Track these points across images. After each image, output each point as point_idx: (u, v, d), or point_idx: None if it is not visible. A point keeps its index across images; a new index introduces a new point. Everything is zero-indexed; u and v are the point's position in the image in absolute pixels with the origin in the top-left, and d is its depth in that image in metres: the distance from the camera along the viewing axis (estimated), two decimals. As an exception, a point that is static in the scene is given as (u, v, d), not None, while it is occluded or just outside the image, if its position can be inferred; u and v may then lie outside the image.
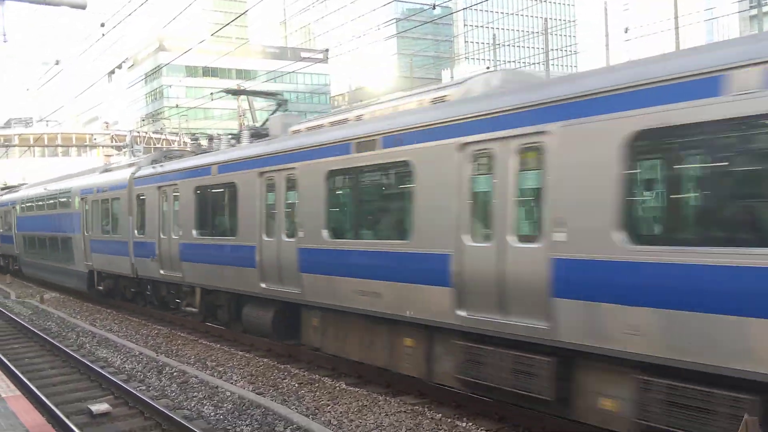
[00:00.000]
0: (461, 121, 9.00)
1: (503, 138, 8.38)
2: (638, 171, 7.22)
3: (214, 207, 15.47)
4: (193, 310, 16.82)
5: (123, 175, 20.55)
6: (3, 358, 13.82)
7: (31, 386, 11.26)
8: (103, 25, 21.39)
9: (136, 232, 19.22)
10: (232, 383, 11.70)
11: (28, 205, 30.58)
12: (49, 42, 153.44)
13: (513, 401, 8.77)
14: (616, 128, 7.11)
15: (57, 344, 15.41)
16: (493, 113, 8.56)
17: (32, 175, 46.51)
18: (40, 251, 28.23)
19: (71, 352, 14.41)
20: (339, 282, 11.10)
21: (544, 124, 7.86)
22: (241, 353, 14.15)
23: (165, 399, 10.91)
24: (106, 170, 23.40)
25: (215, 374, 12.50)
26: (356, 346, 11.50)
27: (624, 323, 6.99)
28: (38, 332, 17.13)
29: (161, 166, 18.48)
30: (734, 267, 6.18)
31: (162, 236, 17.53)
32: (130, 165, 21.29)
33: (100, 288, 22.43)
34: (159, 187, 17.81)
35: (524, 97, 8.25)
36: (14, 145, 65.03)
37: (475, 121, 8.79)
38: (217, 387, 11.27)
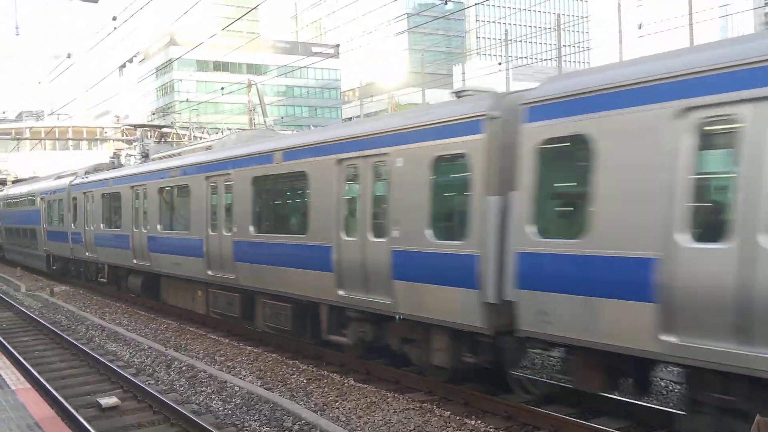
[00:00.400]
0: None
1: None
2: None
3: (111, 209, 21.69)
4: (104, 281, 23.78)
5: (65, 182, 26.80)
6: (13, 350, 13.89)
7: (41, 379, 11.30)
8: (114, 18, 21.41)
9: (72, 225, 25.31)
10: (240, 378, 11.69)
11: (7, 202, 37.64)
12: (61, 35, 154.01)
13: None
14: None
15: (67, 337, 15.47)
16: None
17: (43, 169, 46.83)
18: (16, 239, 35.31)
19: (81, 346, 14.46)
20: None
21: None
22: (249, 348, 14.15)
23: (174, 393, 10.92)
24: (59, 177, 29.38)
25: (224, 369, 12.51)
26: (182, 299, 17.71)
27: None
28: (48, 325, 17.21)
29: (85, 177, 24.82)
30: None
31: (87, 228, 23.79)
32: (72, 174, 27.04)
33: (54, 267, 29.28)
34: (84, 193, 24.18)
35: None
36: (25, 138, 65.39)
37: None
38: (225, 382, 11.27)
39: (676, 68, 6.76)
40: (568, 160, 8.22)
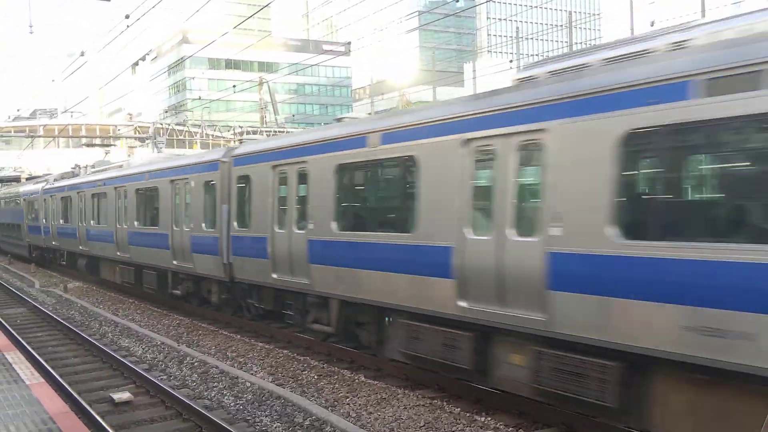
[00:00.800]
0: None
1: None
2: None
3: (67, 208, 28.46)
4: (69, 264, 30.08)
5: (39, 186, 34.13)
6: (27, 345, 14.02)
7: (55, 374, 11.42)
8: (127, 16, 21.52)
9: (44, 221, 32.20)
10: (252, 374, 11.76)
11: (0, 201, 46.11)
12: (75, 34, 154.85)
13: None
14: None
15: (80, 333, 15.60)
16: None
17: (57, 166, 47.34)
18: (7, 232, 42.98)
19: (94, 341, 14.57)
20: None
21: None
22: (261, 344, 14.21)
23: (186, 389, 11.00)
24: (36, 182, 37.34)
25: (235, 365, 12.58)
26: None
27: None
28: (62, 321, 17.36)
29: (53, 183, 31.59)
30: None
31: (53, 223, 30.60)
32: (44, 180, 34.80)
33: (34, 255, 36.01)
34: (51, 196, 31.13)
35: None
36: (39, 136, 65.90)
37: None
38: (237, 378, 11.33)
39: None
40: (244, 187, 14.86)
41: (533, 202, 8.35)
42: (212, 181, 16.12)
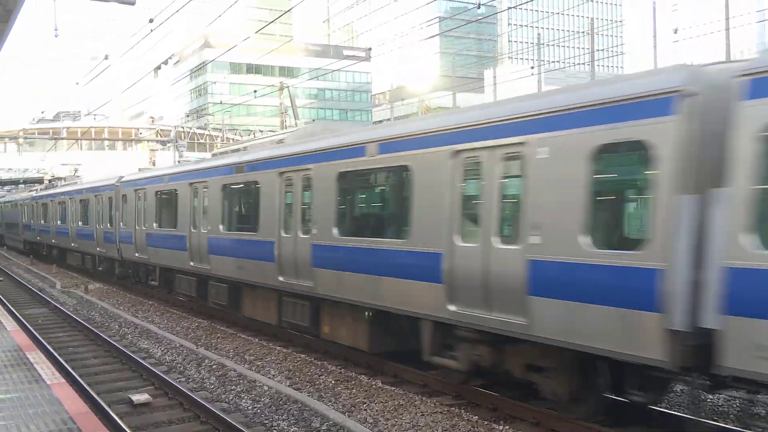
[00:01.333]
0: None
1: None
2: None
3: (44, 213, 37.31)
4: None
5: (31, 194, 43.19)
6: (48, 346, 14.17)
7: (75, 375, 11.53)
8: (151, 20, 21.71)
9: (32, 222, 40.65)
10: (269, 378, 11.78)
11: (4, 206, 56.42)
12: (99, 37, 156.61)
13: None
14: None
15: (100, 334, 15.74)
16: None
17: (79, 168, 48.08)
18: (9, 230, 54.22)
19: (114, 342, 14.70)
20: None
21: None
22: (278, 348, 14.24)
23: (204, 391, 11.05)
24: (31, 191, 46.59)
25: (253, 368, 12.61)
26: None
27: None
28: (82, 322, 17.53)
29: (38, 191, 40.47)
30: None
31: (33, 224, 39.61)
32: (35, 189, 44.80)
33: (26, 248, 44.45)
34: (37, 202, 38.81)
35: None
36: (62, 138, 66.62)
37: None
38: (254, 381, 11.36)
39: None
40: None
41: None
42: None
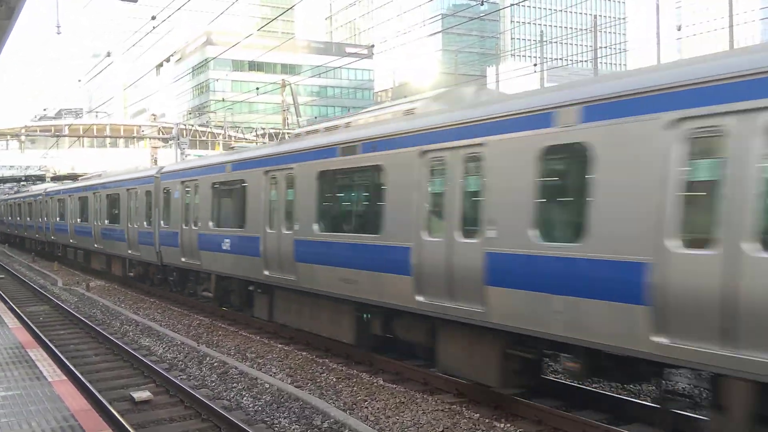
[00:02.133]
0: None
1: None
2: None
3: (21, 213, 43.47)
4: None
5: (44, 188, 42.25)
6: (50, 343, 14.16)
7: (76, 372, 11.53)
8: (154, 17, 21.67)
9: (28, 219, 42.69)
10: (271, 375, 11.77)
11: (8, 204, 55.45)
12: (101, 35, 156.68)
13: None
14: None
15: (101, 331, 15.74)
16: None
17: (81, 166, 48.04)
18: (9, 226, 54.30)
19: (115, 340, 14.69)
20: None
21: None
22: (280, 346, 14.24)
23: (205, 389, 11.04)
24: (27, 193, 47.63)
25: (254, 366, 12.60)
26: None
27: None
28: (84, 319, 17.52)
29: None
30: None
31: (19, 222, 44.84)
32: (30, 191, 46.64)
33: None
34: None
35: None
36: (64, 135, 66.63)
37: None
38: (256, 378, 11.35)
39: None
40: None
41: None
42: None
